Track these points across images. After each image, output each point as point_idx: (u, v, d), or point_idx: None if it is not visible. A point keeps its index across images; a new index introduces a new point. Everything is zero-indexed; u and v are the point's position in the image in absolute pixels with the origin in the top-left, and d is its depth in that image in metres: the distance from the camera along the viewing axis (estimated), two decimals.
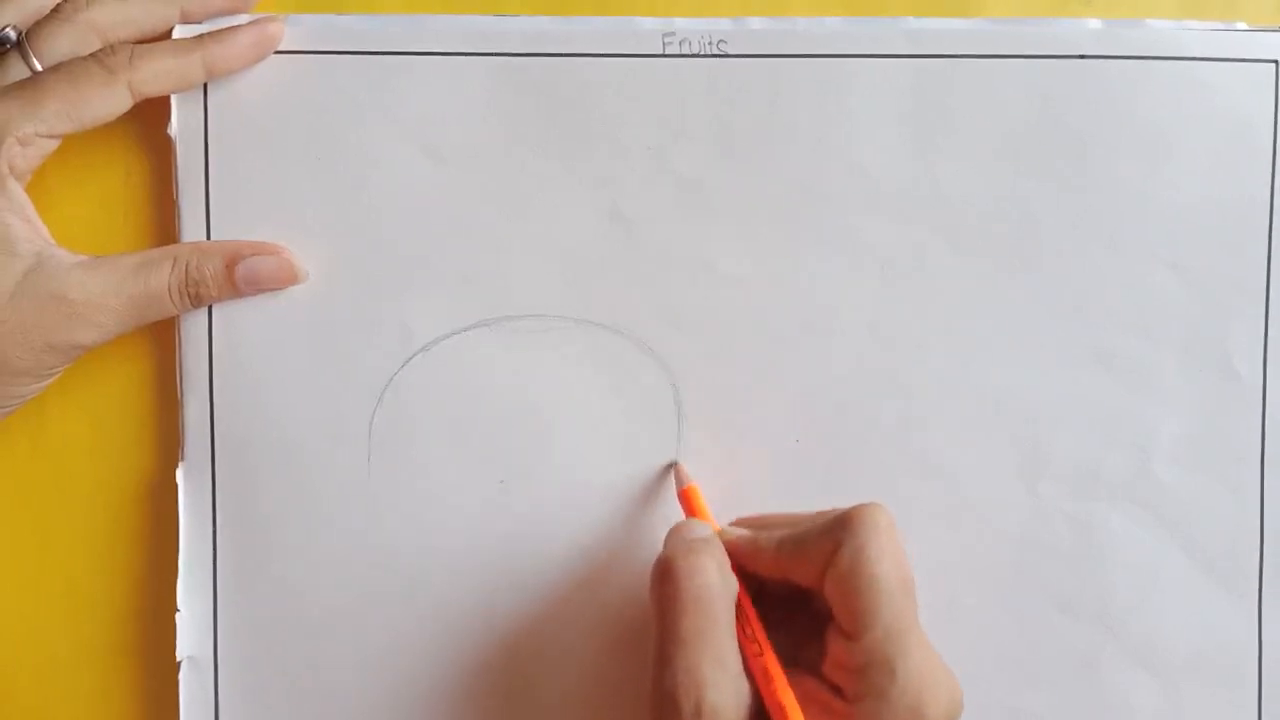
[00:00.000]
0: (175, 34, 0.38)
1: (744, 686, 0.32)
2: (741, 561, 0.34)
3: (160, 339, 0.39)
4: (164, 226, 0.39)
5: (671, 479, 0.39)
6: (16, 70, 0.36)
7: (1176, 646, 0.40)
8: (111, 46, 0.36)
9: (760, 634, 0.33)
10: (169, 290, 0.37)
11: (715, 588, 0.32)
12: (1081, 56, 0.39)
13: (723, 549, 0.34)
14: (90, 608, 0.40)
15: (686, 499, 0.38)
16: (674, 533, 0.35)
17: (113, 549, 0.40)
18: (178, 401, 0.39)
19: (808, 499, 0.39)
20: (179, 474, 0.39)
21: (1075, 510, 0.40)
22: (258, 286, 0.38)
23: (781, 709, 0.31)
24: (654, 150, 0.39)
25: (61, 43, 0.36)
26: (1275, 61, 0.39)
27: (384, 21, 0.39)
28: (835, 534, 0.32)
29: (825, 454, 0.39)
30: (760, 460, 0.39)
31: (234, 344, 0.38)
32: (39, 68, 0.36)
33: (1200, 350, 0.40)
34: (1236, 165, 0.39)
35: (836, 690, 0.32)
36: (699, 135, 0.39)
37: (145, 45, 0.36)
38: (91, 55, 0.36)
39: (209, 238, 0.38)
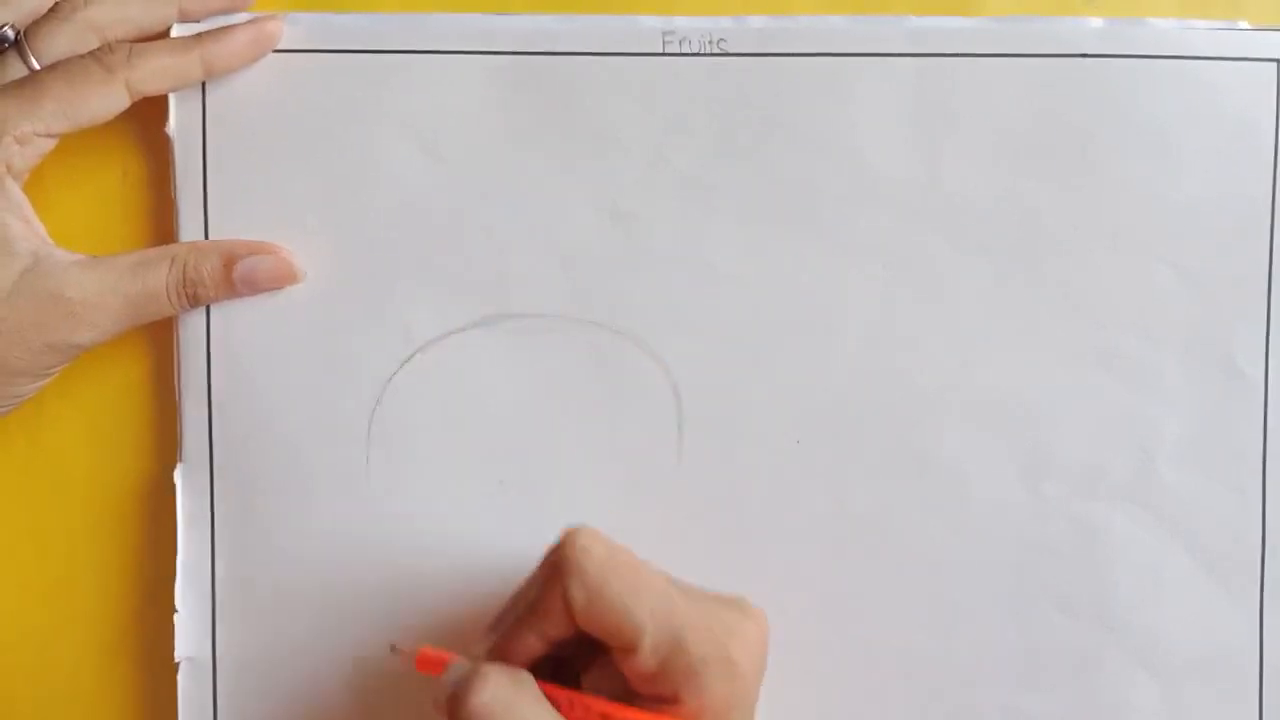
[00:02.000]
0: (173, 32, 0.37)
1: None
2: (517, 660, 0.33)
3: (158, 339, 0.39)
4: (162, 226, 0.39)
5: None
6: (15, 69, 0.36)
7: (1178, 647, 0.40)
8: (109, 45, 0.36)
9: (578, 696, 0.32)
10: (166, 290, 0.37)
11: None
12: (1083, 55, 0.39)
13: (491, 675, 0.31)
14: (88, 608, 0.40)
15: (426, 664, 0.33)
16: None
17: (111, 549, 0.40)
18: (176, 402, 0.39)
19: (808, 499, 0.39)
20: (177, 474, 0.39)
21: (1077, 510, 0.40)
22: (256, 286, 0.38)
23: None
24: (654, 149, 0.39)
25: (60, 41, 0.36)
26: (1277, 60, 0.39)
27: (383, 20, 0.38)
28: (552, 586, 0.32)
29: (825, 454, 0.39)
30: (760, 460, 0.39)
31: (232, 344, 0.38)
32: (37, 67, 0.36)
33: (1203, 349, 0.40)
34: (1238, 164, 0.39)
35: (664, 700, 0.32)
36: (699, 134, 0.39)
37: (143, 44, 0.36)
38: (89, 54, 0.36)
39: (207, 237, 0.38)
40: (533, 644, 0.33)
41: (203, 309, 0.38)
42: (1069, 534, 0.40)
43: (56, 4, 0.37)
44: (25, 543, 0.40)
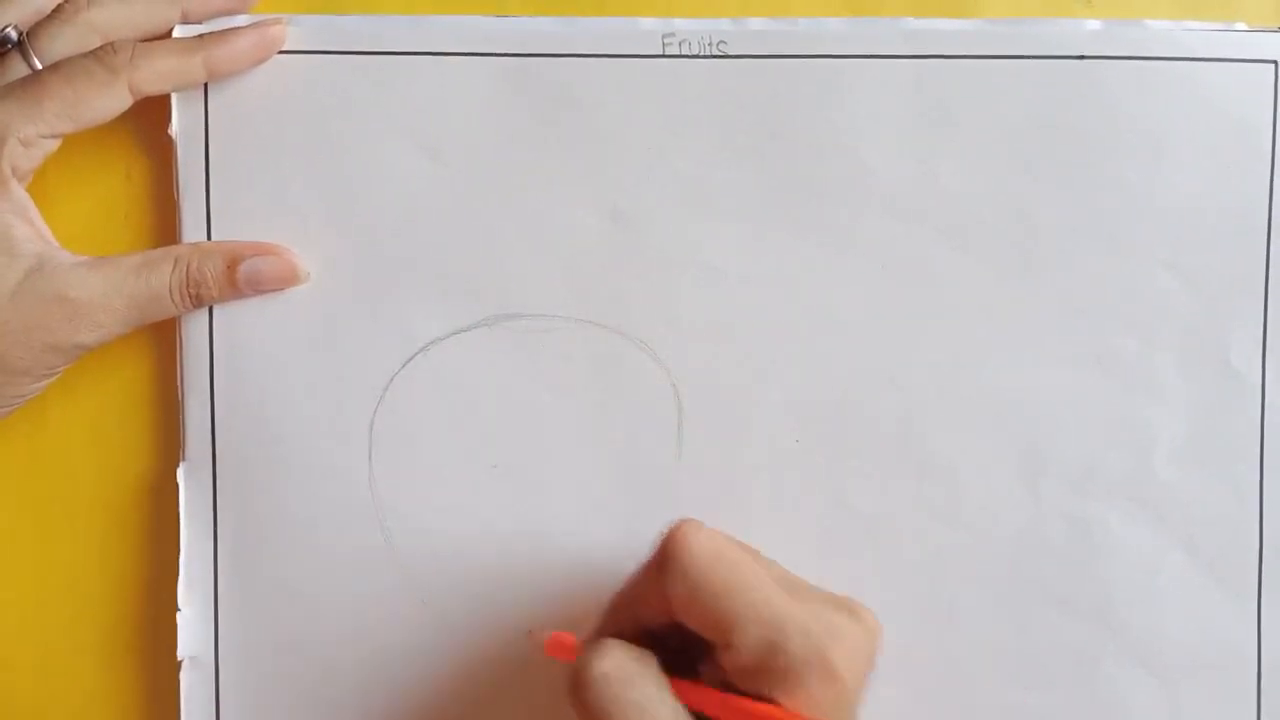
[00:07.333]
0: (175, 34, 0.38)
1: None
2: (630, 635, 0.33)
3: (161, 339, 0.39)
4: (165, 227, 0.39)
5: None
6: (17, 70, 0.36)
7: (1176, 646, 0.40)
8: (112, 45, 0.36)
9: (698, 689, 0.32)
10: (170, 291, 0.37)
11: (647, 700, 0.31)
12: (1081, 57, 0.39)
13: (614, 647, 0.31)
14: (91, 607, 0.40)
15: (559, 647, 0.34)
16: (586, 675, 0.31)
17: (113, 548, 0.40)
18: (178, 401, 0.39)
19: (808, 499, 0.39)
20: (180, 473, 0.39)
21: (1075, 510, 0.40)
22: (259, 287, 0.38)
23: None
24: (654, 150, 0.39)
25: (63, 43, 0.36)
26: (1274, 62, 0.39)
27: (384, 22, 0.39)
28: (654, 577, 0.32)
29: (825, 454, 0.39)
30: (760, 460, 0.39)
31: (235, 344, 0.38)
32: (40, 67, 0.36)
33: (1199, 349, 0.40)
34: (1235, 165, 0.39)
35: (761, 698, 0.31)
36: (699, 136, 0.39)
37: (146, 44, 0.36)
38: (91, 53, 0.36)
39: (210, 238, 0.38)
40: (632, 630, 0.33)
41: (205, 309, 0.38)
42: (1067, 533, 0.40)
43: (59, 5, 0.37)
44: (28, 542, 0.40)
